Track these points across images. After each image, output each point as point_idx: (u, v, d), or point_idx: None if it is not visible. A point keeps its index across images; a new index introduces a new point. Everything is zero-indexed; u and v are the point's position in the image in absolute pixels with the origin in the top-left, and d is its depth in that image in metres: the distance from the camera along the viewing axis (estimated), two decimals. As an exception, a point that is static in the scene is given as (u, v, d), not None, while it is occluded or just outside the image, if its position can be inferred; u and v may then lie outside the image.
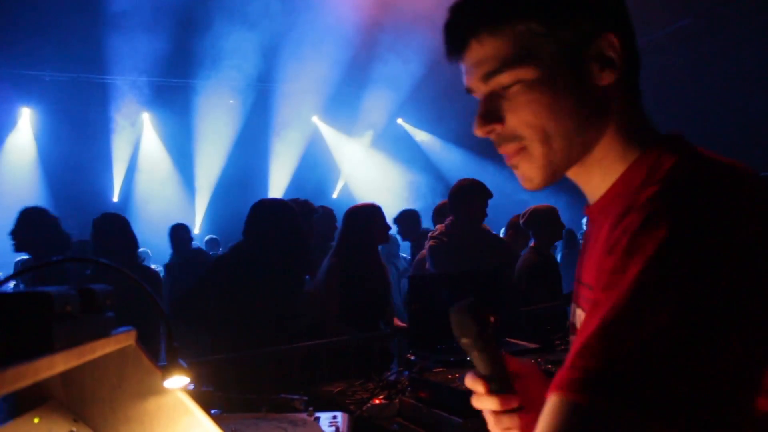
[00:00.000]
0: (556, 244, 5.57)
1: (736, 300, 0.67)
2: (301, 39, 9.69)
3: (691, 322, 0.66)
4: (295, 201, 4.38)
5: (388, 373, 2.96)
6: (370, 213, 4.03)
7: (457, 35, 0.95)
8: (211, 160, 11.19)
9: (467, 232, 4.36)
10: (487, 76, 0.92)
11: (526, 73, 0.89)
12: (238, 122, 11.09)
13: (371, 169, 12.15)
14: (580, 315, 1.04)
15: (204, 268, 3.88)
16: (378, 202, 4.18)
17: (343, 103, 11.47)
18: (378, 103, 11.53)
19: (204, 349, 3.62)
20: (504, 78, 0.91)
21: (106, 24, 8.93)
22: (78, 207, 8.07)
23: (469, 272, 3.86)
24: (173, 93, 10.65)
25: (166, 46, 9.47)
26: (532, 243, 4.75)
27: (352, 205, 4.21)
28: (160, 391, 1.21)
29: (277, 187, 11.53)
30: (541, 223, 4.65)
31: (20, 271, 4.32)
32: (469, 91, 0.98)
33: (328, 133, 12.32)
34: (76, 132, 10.07)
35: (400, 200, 11.01)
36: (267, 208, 3.64)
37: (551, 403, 0.71)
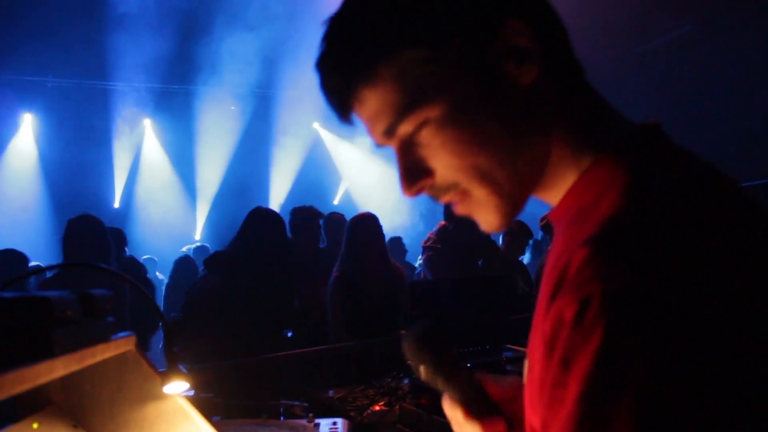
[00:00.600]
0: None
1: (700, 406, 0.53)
2: (302, 45, 9.71)
3: None
4: (300, 208, 4.39)
5: (389, 380, 2.95)
6: (365, 222, 4.02)
7: (333, 100, 0.79)
8: (212, 167, 11.20)
9: (460, 235, 4.33)
10: (388, 132, 0.77)
11: (429, 113, 0.73)
12: (239, 128, 11.10)
13: (372, 175, 12.17)
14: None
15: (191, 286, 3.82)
16: (379, 207, 4.19)
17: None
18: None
19: (203, 356, 3.61)
20: (406, 127, 0.75)
21: (107, 29, 8.95)
22: (79, 212, 8.06)
23: (471, 278, 3.87)
24: (175, 99, 10.67)
25: (167, 52, 9.49)
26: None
27: (353, 212, 4.22)
28: (159, 396, 1.21)
29: (278, 194, 11.53)
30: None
31: (10, 281, 4.31)
32: (379, 146, 0.82)
33: (329, 139, 12.34)
34: (78, 137, 10.08)
35: (402, 206, 11.02)
36: (254, 216, 3.65)
37: None
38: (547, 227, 4.95)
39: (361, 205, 11.22)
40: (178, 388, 1.19)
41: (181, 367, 1.18)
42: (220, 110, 10.77)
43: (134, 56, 9.43)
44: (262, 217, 3.64)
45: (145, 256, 8.30)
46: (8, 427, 1.04)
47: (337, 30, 0.76)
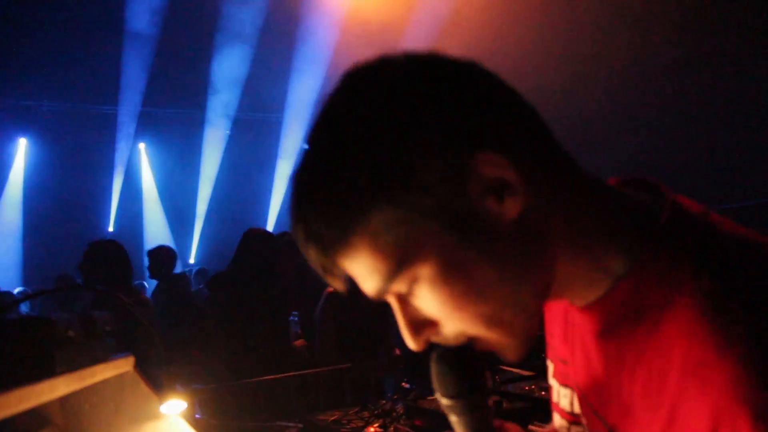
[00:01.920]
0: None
1: None
2: (294, 69, 9.82)
3: None
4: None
5: (383, 402, 2.96)
6: None
7: (316, 267, 0.72)
8: (206, 190, 11.23)
9: None
10: (380, 293, 0.71)
11: (417, 271, 0.67)
12: (234, 152, 11.16)
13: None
14: (567, 395, 0.90)
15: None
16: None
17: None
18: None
19: (198, 377, 3.62)
20: (398, 287, 0.69)
21: (102, 54, 9.04)
22: (74, 236, 8.05)
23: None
24: (169, 123, 10.74)
25: (161, 77, 9.58)
26: None
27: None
28: (157, 416, 1.23)
29: (272, 217, 11.55)
30: None
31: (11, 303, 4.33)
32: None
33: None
34: (72, 162, 10.10)
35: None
36: (248, 236, 3.71)
37: None
38: None
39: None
40: (175, 407, 1.21)
41: (179, 387, 1.20)
42: (214, 134, 10.83)
43: (128, 81, 9.52)
44: (255, 236, 3.71)
45: (136, 282, 8.27)
46: (8, 447, 1.05)
47: (303, 198, 0.70)
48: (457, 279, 0.67)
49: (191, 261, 10.98)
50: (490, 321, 0.69)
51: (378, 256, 0.67)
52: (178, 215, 11.39)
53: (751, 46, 7.10)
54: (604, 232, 0.71)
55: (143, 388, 1.22)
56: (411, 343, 0.74)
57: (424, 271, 0.67)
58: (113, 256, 3.78)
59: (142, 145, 11.11)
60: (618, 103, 7.88)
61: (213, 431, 2.00)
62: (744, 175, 7.14)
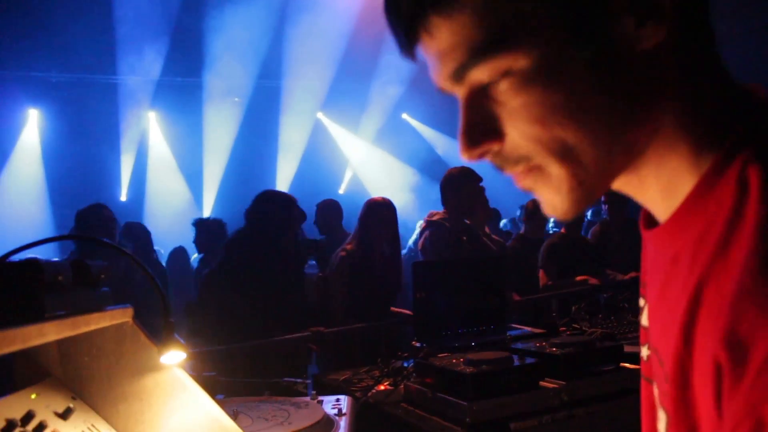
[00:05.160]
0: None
1: None
2: (304, 35, 9.73)
3: None
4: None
5: (393, 361, 2.96)
6: (383, 207, 4.06)
7: (399, 28, 0.63)
8: (217, 157, 11.22)
9: (456, 222, 4.29)
10: (457, 75, 0.62)
11: (513, 62, 0.58)
12: (243, 119, 11.12)
13: (376, 164, 12.16)
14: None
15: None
16: (385, 195, 4.22)
17: (347, 98, 11.47)
18: (383, 97, 11.54)
19: (218, 337, 3.65)
20: (480, 73, 0.60)
21: (110, 23, 9.00)
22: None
23: (474, 258, 3.87)
24: (179, 91, 10.70)
25: (170, 45, 9.52)
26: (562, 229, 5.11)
27: (358, 201, 4.27)
28: (157, 367, 1.22)
29: (282, 183, 11.54)
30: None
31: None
32: (442, 91, 0.66)
33: (333, 128, 12.33)
34: (83, 131, 10.12)
35: (407, 194, 11.03)
36: (264, 196, 3.74)
37: None
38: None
39: (366, 195, 11.22)
40: (175, 358, 1.19)
41: (177, 337, 1.19)
42: (224, 101, 10.79)
43: (137, 49, 9.47)
44: (270, 198, 3.72)
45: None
46: (6, 396, 1.04)
47: None
48: (555, 87, 0.58)
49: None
50: (568, 152, 0.60)
51: (478, 23, 0.57)
52: (189, 183, 11.42)
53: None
54: (712, 116, 0.60)
55: (143, 339, 1.21)
56: (464, 151, 0.64)
57: (521, 63, 0.58)
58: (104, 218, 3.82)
59: (152, 114, 11.09)
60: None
61: (219, 389, 2.01)
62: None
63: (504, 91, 0.60)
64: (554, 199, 0.63)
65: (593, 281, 4.56)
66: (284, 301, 3.56)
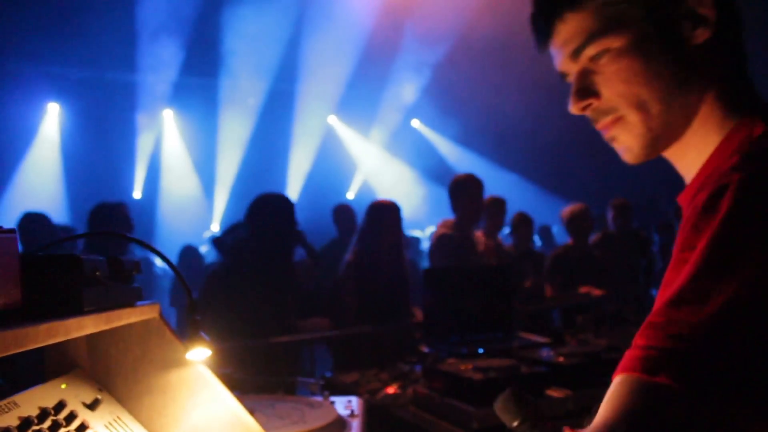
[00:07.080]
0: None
1: None
2: (319, 38, 9.78)
3: (755, 296, 0.66)
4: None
5: (401, 364, 2.99)
6: (388, 209, 4.03)
7: (542, 21, 0.97)
8: (230, 157, 11.27)
9: (463, 230, 4.31)
10: (575, 53, 0.94)
11: (613, 42, 0.89)
12: (257, 120, 11.17)
13: (387, 169, 12.19)
14: None
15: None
16: (395, 199, 4.20)
17: (359, 103, 11.51)
18: (395, 103, 11.57)
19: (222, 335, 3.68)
20: (591, 50, 0.92)
21: (132, 22, 9.08)
22: (100, 202, 8.16)
23: (482, 266, 3.90)
24: (195, 91, 10.76)
25: (188, 46, 9.59)
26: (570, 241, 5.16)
27: (371, 201, 4.24)
28: (182, 363, 1.25)
29: (294, 186, 11.59)
30: (574, 222, 5.04)
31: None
32: (562, 76, 0.99)
33: (345, 132, 12.37)
34: (100, 128, 10.19)
35: (416, 199, 11.06)
36: (263, 199, 3.69)
37: (624, 383, 0.73)
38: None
39: (377, 197, 11.22)
40: (200, 354, 1.23)
41: (203, 335, 1.23)
42: (239, 102, 10.85)
43: (156, 49, 9.54)
44: (267, 202, 3.68)
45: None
46: (38, 386, 1.08)
47: None
48: (637, 59, 0.89)
49: (215, 228, 11.08)
50: (642, 104, 0.90)
51: (595, 17, 0.91)
52: (203, 182, 11.47)
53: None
54: (737, 94, 0.90)
55: (168, 335, 1.25)
56: (573, 106, 0.96)
57: (618, 43, 0.90)
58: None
59: (168, 112, 11.17)
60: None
61: (234, 386, 2.04)
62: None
63: (604, 63, 0.91)
64: (631, 142, 0.93)
65: (596, 292, 4.58)
66: (283, 299, 3.57)
